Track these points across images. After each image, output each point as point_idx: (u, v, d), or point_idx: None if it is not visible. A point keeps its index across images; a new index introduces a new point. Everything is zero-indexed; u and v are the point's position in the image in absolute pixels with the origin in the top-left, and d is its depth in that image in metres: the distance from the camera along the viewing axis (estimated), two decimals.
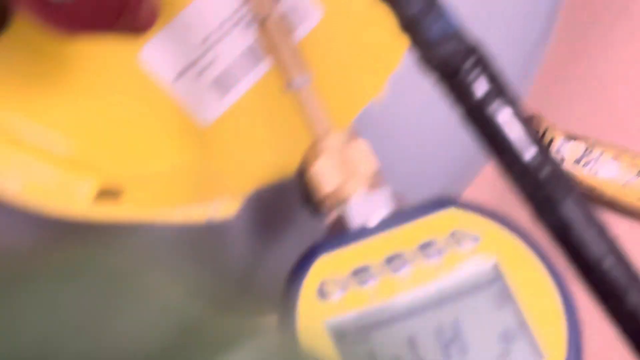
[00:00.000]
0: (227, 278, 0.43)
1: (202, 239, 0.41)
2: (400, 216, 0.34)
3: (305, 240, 0.41)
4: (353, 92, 0.43)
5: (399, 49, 0.43)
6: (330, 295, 0.33)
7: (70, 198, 0.32)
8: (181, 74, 0.41)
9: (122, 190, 0.35)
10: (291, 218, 0.42)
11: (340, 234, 0.34)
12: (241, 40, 0.41)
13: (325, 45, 0.42)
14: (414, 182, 0.41)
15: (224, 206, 0.34)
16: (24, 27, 0.39)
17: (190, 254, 0.41)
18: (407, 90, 0.43)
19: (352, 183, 0.34)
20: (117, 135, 0.39)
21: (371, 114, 0.43)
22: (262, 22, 0.36)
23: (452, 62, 0.34)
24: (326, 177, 0.34)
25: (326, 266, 0.34)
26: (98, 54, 0.40)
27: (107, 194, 0.34)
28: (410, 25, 0.34)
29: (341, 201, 0.34)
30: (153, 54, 0.41)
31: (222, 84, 0.41)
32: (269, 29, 0.36)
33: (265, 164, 0.41)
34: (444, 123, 0.44)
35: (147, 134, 0.40)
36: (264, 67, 0.41)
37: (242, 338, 0.24)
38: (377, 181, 0.35)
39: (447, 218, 0.34)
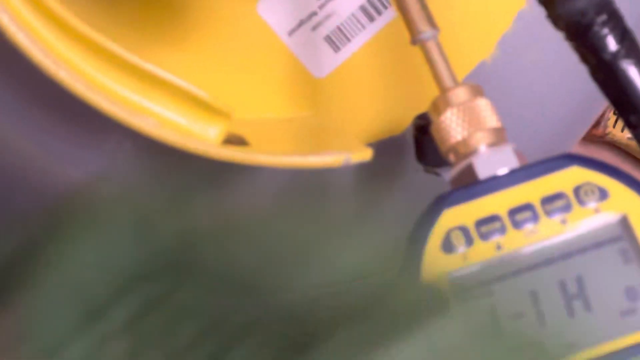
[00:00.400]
0: (329, 231, 0.43)
1: (309, 190, 0.41)
2: (524, 172, 0.34)
3: (414, 198, 0.42)
4: (462, 52, 0.43)
5: (511, 9, 0.43)
6: (455, 247, 0.34)
7: (200, 139, 0.32)
8: (296, 27, 0.41)
9: (247, 139, 0.35)
10: (401, 174, 0.42)
11: (464, 187, 0.35)
12: None
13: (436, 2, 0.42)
14: (522, 141, 0.41)
15: (358, 152, 0.34)
16: None
17: (296, 203, 0.41)
18: (516, 49, 0.43)
19: (479, 136, 0.34)
20: (239, 83, 0.39)
21: (480, 73, 0.43)
22: None
23: (584, 17, 0.34)
24: (454, 127, 0.34)
25: (452, 219, 0.34)
26: (217, 3, 0.40)
27: (234, 141, 0.34)
28: None
29: (467, 153, 0.34)
30: (269, 6, 0.41)
31: (337, 39, 0.41)
32: None
33: (377, 119, 0.42)
34: (552, 82, 0.44)
35: (266, 82, 0.40)
36: (379, 23, 0.41)
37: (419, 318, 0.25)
38: (501, 137, 0.35)
39: (572, 175, 0.34)
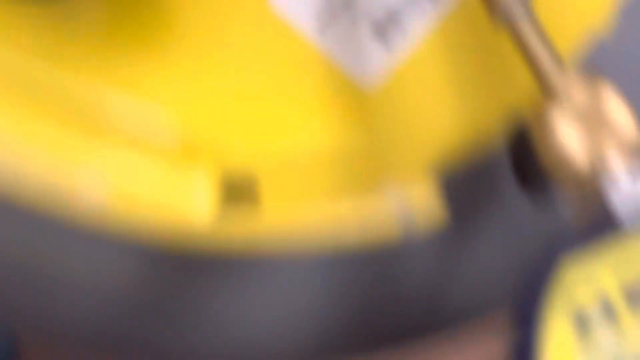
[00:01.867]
0: (408, 302, 0.31)
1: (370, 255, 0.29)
2: None
3: (517, 242, 0.30)
4: (571, 20, 0.31)
5: None
6: (589, 324, 0.22)
7: (182, 205, 0.21)
8: (329, 20, 0.29)
9: (256, 184, 0.23)
10: (496, 207, 0.30)
11: (595, 231, 0.23)
12: None
13: None
14: None
15: (421, 209, 0.22)
16: None
17: (351, 278, 0.30)
18: None
19: (614, 155, 0.22)
20: (243, 110, 0.28)
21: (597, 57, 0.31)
22: None
23: None
24: (572, 144, 0.22)
25: (579, 280, 0.22)
26: None
27: (235, 193, 0.23)
28: None
29: (595, 182, 0.22)
30: None
31: (389, 29, 0.30)
32: None
33: (452, 135, 0.30)
34: None
35: (287, 104, 0.29)
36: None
37: None
38: None
39: None
